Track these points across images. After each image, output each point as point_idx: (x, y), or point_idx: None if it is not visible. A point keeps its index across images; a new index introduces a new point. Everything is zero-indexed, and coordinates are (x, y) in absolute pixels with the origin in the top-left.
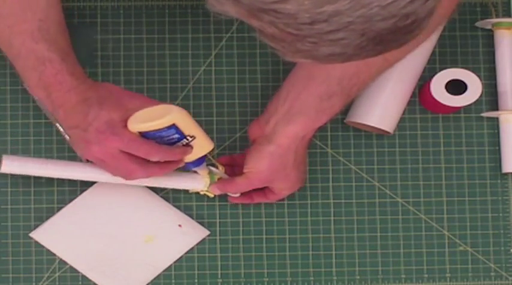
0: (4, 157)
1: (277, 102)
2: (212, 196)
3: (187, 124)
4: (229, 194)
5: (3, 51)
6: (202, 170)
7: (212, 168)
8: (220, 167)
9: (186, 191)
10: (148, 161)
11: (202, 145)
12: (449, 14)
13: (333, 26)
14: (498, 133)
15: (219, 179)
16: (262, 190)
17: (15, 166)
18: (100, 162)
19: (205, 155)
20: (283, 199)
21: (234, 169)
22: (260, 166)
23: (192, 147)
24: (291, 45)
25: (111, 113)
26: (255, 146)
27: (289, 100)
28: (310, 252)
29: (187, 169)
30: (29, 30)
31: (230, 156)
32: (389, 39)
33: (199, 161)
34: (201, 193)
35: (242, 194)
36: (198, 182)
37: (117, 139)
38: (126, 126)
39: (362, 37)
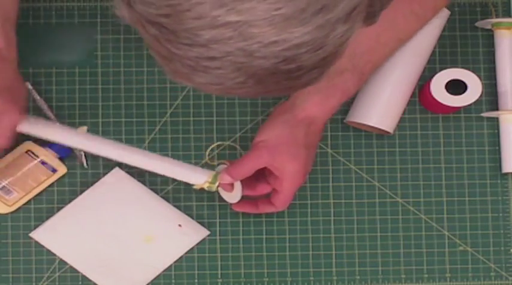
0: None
1: None
2: (214, 189)
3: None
4: (230, 201)
5: None
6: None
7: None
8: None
9: (186, 191)
10: None
11: None
12: None
13: (211, 53)
14: (498, 133)
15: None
16: (268, 198)
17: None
18: None
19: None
20: (287, 207)
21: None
22: (271, 133)
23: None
24: (172, 64)
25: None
26: (271, 117)
27: None
28: (310, 252)
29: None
30: None
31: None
32: (271, 81)
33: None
34: (205, 187)
35: (246, 201)
36: (200, 176)
37: None
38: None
39: (239, 71)
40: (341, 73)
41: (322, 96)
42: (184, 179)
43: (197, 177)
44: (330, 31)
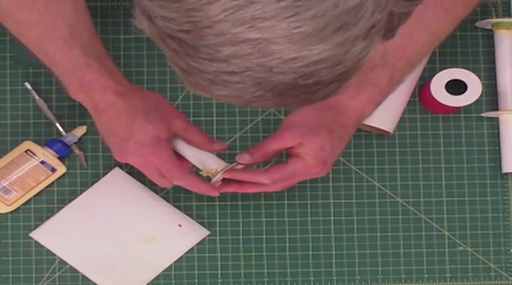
0: None
1: None
2: (204, 175)
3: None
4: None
5: (40, 58)
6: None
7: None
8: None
9: (186, 191)
10: None
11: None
12: None
13: (231, 68)
14: (498, 133)
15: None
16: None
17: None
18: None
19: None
20: (279, 189)
21: None
22: (298, 113)
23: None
24: (191, 77)
25: (157, 130)
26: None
27: None
28: (310, 252)
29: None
30: (61, 36)
31: None
32: (289, 94)
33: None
34: (206, 174)
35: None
36: (212, 162)
37: (155, 156)
38: (168, 144)
39: (258, 86)
40: (372, 68)
41: (353, 90)
42: (197, 162)
43: (210, 162)
44: (349, 48)
